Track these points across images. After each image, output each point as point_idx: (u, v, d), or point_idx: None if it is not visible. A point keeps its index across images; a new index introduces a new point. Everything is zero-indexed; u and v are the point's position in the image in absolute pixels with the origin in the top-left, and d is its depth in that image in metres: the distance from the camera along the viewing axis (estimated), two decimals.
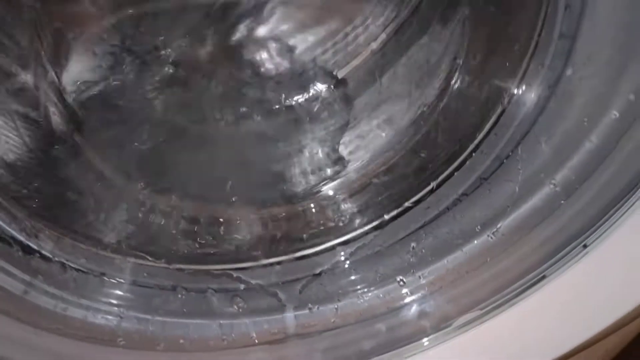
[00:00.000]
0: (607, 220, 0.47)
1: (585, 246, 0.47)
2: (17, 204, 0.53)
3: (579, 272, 0.47)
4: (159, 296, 0.57)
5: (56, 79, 0.56)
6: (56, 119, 0.57)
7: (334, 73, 0.68)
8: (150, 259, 0.58)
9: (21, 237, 0.53)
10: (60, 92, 0.57)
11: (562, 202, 0.51)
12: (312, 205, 0.65)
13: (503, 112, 0.56)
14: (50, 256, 0.54)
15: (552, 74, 0.52)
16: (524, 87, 0.55)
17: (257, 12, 0.65)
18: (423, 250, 0.57)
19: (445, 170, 0.59)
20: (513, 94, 0.56)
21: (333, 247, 0.61)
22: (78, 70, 0.59)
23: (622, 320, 0.46)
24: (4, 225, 0.52)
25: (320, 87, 0.68)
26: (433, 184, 0.59)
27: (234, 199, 0.64)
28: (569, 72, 0.51)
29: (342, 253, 0.61)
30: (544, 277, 0.48)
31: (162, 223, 0.62)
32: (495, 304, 0.49)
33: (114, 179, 0.61)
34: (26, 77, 0.55)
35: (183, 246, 0.61)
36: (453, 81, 0.61)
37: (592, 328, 0.46)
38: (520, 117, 0.55)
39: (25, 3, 0.51)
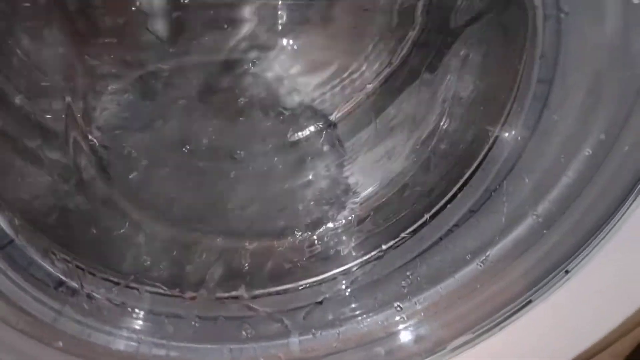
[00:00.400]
0: (586, 247, 0.48)
1: (567, 272, 0.49)
2: (45, 238, 0.54)
3: (561, 296, 0.49)
4: (174, 323, 0.57)
5: (85, 128, 0.57)
6: (83, 162, 0.58)
7: (330, 115, 0.69)
8: (165, 289, 0.59)
9: (51, 269, 0.54)
10: (88, 140, 0.58)
11: (545, 232, 0.53)
12: (315, 237, 0.65)
13: (489, 151, 0.57)
14: (77, 287, 0.55)
15: (531, 116, 0.53)
16: (506, 129, 0.56)
17: (261, 60, 0.66)
18: (418, 278, 0.59)
19: (438, 203, 0.60)
20: (497, 136, 0.57)
21: (335, 276, 0.62)
22: (104, 120, 0.61)
23: (604, 341, 0.47)
24: (36, 258, 0.53)
25: (318, 127, 0.69)
26: (427, 216, 0.60)
27: (245, 233, 0.65)
28: (546, 114, 0.52)
29: (344, 282, 0.62)
30: (530, 301, 0.50)
31: (176, 255, 0.62)
32: (486, 328, 0.51)
33: (132, 215, 0.62)
34: (57, 127, 0.56)
35: (196, 277, 0.61)
36: (442, 123, 0.61)
37: (575, 347, 0.48)
38: (504, 156, 0.56)
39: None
